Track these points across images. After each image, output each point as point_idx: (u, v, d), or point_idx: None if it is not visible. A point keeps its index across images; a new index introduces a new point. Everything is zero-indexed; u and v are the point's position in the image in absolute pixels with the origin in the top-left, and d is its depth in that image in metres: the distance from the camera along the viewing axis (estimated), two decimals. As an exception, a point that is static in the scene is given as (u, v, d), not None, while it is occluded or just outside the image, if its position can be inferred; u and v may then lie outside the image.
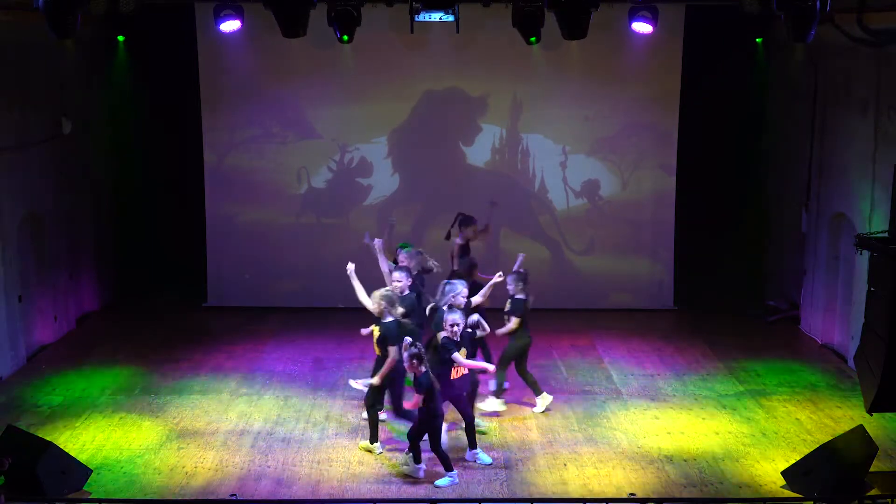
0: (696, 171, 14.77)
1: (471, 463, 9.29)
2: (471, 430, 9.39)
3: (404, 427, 9.41)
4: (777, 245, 14.65)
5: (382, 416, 9.89)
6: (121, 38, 14.20)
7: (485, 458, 9.36)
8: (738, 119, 15.15)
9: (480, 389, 10.28)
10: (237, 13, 10.85)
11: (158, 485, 8.85)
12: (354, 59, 13.64)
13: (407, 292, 9.94)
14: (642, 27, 10.96)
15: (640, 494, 8.55)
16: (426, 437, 8.90)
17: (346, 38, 10.74)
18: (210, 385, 11.38)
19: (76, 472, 8.81)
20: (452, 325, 9.22)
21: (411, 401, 8.96)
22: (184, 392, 11.11)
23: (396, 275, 9.95)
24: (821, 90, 12.85)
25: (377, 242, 10.27)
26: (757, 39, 14.12)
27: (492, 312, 10.31)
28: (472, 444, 9.38)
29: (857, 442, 8.75)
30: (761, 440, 9.88)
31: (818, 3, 9.58)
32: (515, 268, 10.69)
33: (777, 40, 13.66)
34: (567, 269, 14.35)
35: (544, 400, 10.56)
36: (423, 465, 9.07)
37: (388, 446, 9.64)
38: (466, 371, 9.33)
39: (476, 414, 9.79)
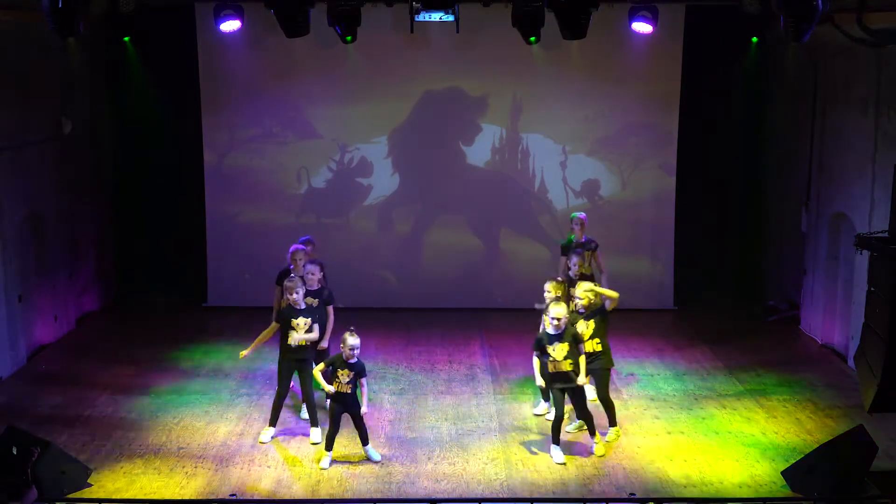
0: (696, 171, 14.77)
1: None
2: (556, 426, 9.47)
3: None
4: (777, 245, 14.65)
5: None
6: (126, 38, 14.17)
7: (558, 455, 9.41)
8: (738, 119, 15.14)
9: None
10: (237, 13, 10.86)
11: (158, 485, 8.86)
12: (354, 59, 13.64)
13: (317, 287, 10.07)
14: (642, 27, 10.97)
15: (640, 494, 8.56)
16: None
17: (349, 38, 10.76)
18: (210, 385, 11.39)
19: (76, 472, 8.80)
20: (553, 319, 9.27)
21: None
22: (184, 392, 11.11)
23: (310, 267, 10.07)
24: (821, 90, 12.85)
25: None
26: (752, 39, 14.10)
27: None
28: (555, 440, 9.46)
29: (857, 442, 8.75)
30: (761, 440, 9.88)
31: (819, 3, 9.58)
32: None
33: (776, 40, 13.65)
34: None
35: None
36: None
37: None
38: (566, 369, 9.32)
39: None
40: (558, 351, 9.27)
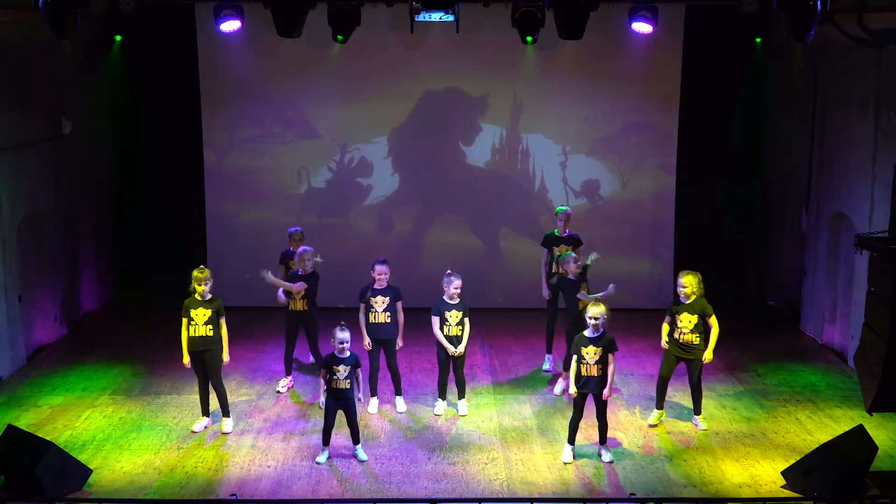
0: (696, 171, 14.77)
1: (471, 464, 9.33)
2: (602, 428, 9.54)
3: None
4: (777, 245, 14.65)
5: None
6: (118, 37, 14.19)
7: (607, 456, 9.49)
8: (738, 119, 15.15)
9: None
10: (237, 13, 10.86)
11: (158, 485, 8.86)
12: (354, 58, 13.63)
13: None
14: (642, 27, 10.96)
15: (640, 494, 8.56)
16: None
17: (340, 38, 10.81)
18: (210, 385, 11.39)
19: (76, 472, 8.81)
20: (591, 319, 9.28)
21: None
22: (184, 392, 11.10)
23: (381, 268, 10.59)
24: (821, 90, 12.85)
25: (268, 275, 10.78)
26: (756, 39, 14.12)
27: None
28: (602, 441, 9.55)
29: (857, 442, 8.75)
30: (761, 440, 9.89)
31: (819, 3, 9.59)
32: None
33: (777, 40, 13.66)
34: (567, 269, 14.34)
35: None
36: None
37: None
38: (595, 373, 9.32)
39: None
40: (590, 354, 9.28)
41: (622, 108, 14.09)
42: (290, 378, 11.23)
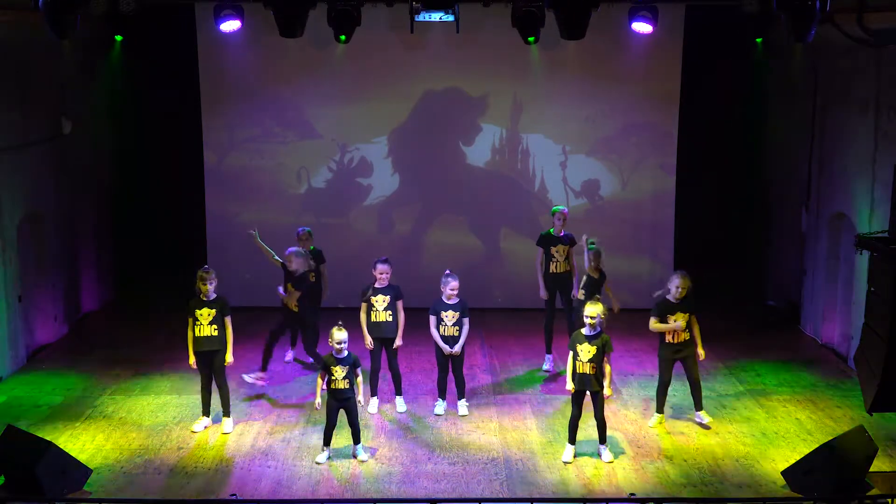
0: (696, 171, 14.77)
1: (467, 462, 9.33)
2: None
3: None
4: (777, 245, 14.65)
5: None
6: (118, 37, 14.21)
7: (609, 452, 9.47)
8: (738, 119, 15.16)
9: None
10: (237, 13, 10.87)
11: (158, 485, 8.86)
12: (354, 58, 13.63)
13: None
14: (642, 27, 10.96)
15: (640, 494, 8.55)
16: None
17: (343, 38, 10.82)
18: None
19: (76, 472, 8.81)
20: (587, 318, 9.29)
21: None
22: (184, 392, 11.10)
23: (381, 267, 10.55)
24: (821, 90, 12.85)
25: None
26: (757, 39, 14.13)
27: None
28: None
29: (857, 442, 8.75)
30: (761, 440, 9.89)
31: (818, 3, 9.61)
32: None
33: (777, 40, 13.67)
34: (567, 269, 14.33)
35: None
36: None
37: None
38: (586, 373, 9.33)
39: None
40: (584, 352, 9.27)
41: (622, 108, 14.09)
42: (262, 374, 11.16)
